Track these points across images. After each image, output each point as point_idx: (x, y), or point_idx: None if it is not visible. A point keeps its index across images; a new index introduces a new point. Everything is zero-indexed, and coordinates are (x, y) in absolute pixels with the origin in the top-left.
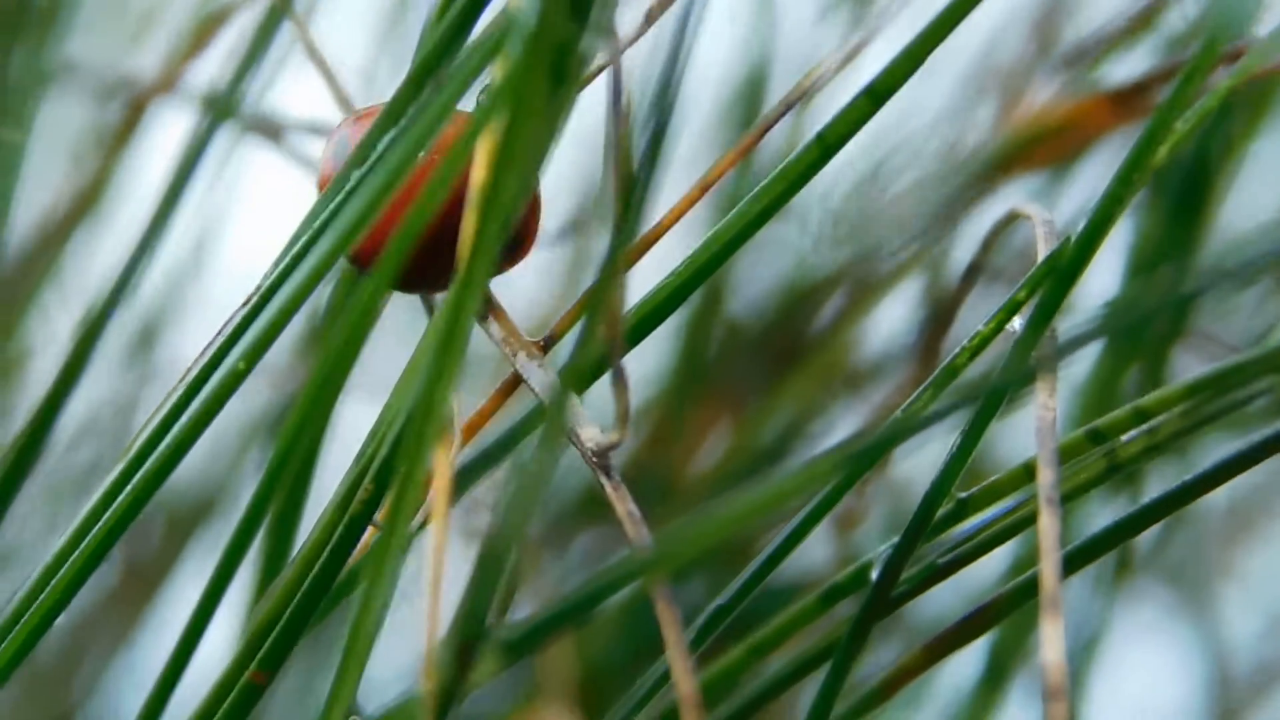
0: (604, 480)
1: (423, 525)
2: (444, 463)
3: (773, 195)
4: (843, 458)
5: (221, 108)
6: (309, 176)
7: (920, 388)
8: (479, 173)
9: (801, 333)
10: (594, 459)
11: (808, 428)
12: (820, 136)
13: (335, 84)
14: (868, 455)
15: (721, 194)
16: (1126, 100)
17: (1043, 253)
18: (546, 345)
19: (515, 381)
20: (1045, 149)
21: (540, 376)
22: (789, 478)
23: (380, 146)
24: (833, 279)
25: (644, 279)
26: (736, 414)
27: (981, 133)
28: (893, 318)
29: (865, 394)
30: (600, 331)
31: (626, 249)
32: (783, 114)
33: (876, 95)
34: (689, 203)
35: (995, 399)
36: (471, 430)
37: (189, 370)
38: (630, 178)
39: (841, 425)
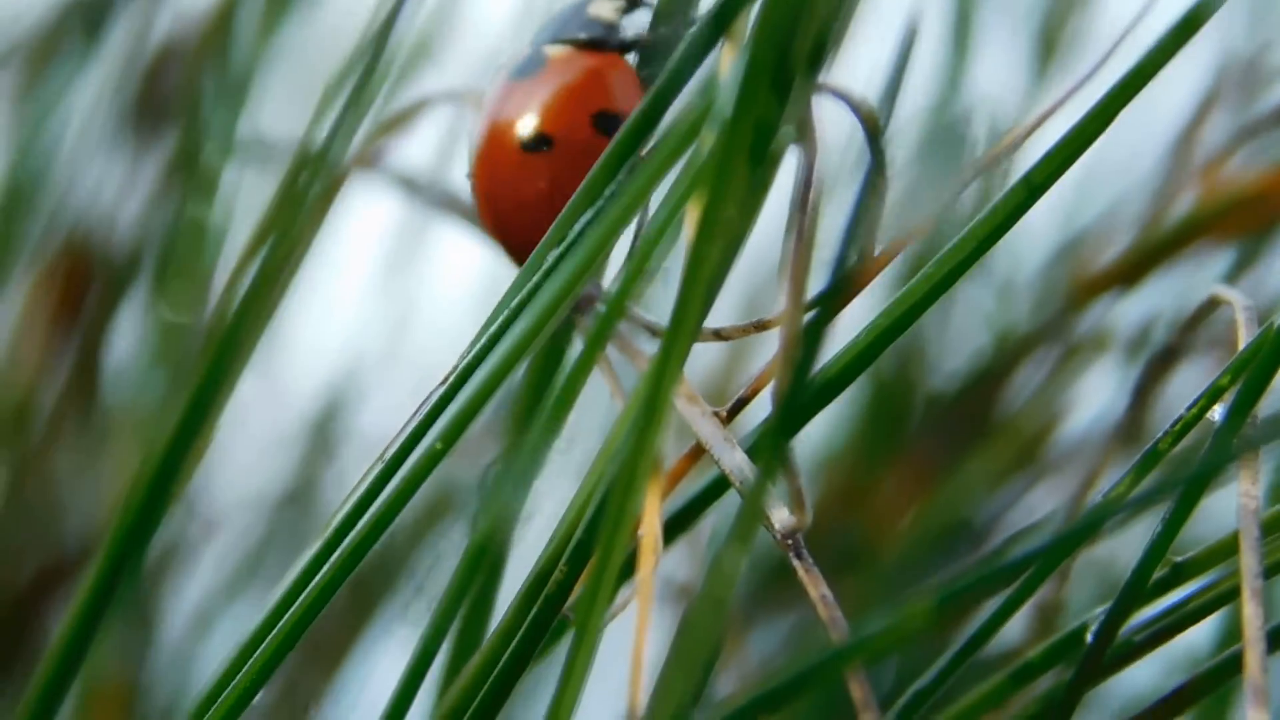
0: (796, 563)
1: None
2: (649, 541)
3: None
4: (1049, 545)
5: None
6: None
7: (1124, 470)
8: (688, 240)
9: (996, 400)
10: (785, 541)
11: (1001, 498)
12: (1027, 182)
13: None
14: (1073, 540)
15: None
16: None
17: (1244, 339)
18: (730, 415)
19: (699, 451)
20: (1238, 219)
21: (728, 453)
22: (993, 568)
23: (577, 228)
24: (1028, 345)
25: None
26: (929, 479)
27: (1175, 201)
28: (1089, 388)
29: (1060, 467)
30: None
31: (800, 329)
32: (976, 177)
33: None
34: (882, 264)
35: (1198, 488)
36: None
37: (386, 449)
38: (809, 259)
39: (1036, 497)
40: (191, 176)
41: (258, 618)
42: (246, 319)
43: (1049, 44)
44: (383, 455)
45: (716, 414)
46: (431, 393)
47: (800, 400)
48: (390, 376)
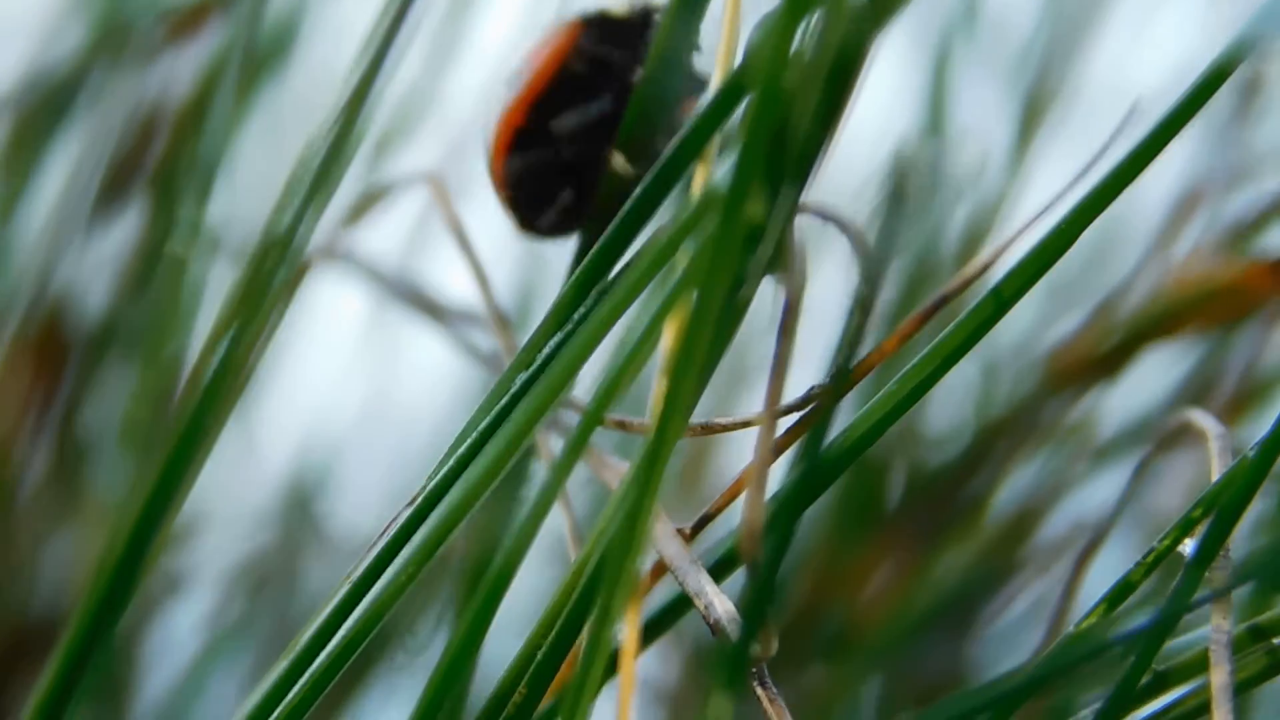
0: (760, 692)
1: None
2: (627, 677)
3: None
4: (1012, 687)
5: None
6: (465, 357)
7: (1093, 604)
8: (668, 347)
9: (975, 483)
10: (750, 670)
11: (981, 583)
12: (997, 295)
13: (478, 266)
14: (1039, 682)
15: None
16: None
17: (1217, 470)
18: (694, 532)
19: (661, 569)
20: (1205, 313)
21: (693, 575)
22: (957, 709)
23: (546, 350)
24: (1005, 430)
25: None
26: (908, 561)
27: (1143, 293)
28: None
29: (1039, 560)
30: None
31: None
32: (958, 291)
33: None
34: (857, 376)
35: (1169, 622)
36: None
37: (352, 571)
38: (784, 374)
39: (1017, 583)
40: (163, 254)
41: None
42: (214, 400)
43: (1034, 111)
44: (349, 577)
45: (680, 531)
46: (398, 514)
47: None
48: (365, 452)
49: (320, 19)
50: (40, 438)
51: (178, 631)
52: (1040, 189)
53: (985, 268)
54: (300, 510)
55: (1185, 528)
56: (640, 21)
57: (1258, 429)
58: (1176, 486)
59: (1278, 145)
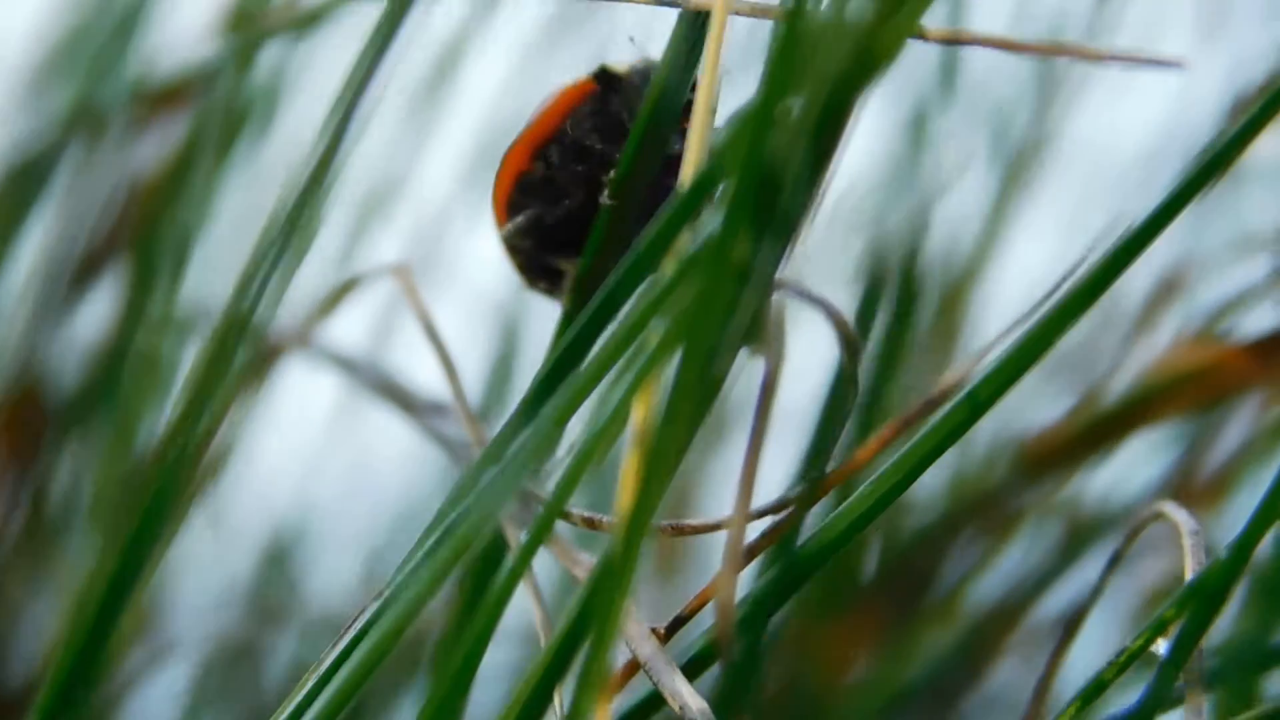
0: None
1: None
2: None
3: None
4: None
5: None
6: (435, 446)
7: (1066, 703)
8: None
9: (945, 562)
10: None
11: (954, 668)
12: (971, 399)
13: (446, 357)
14: None
15: None
16: (1265, 353)
17: (1191, 568)
18: (669, 633)
19: (634, 668)
20: (1183, 398)
21: (668, 676)
22: None
23: (512, 449)
24: (977, 510)
25: None
26: (879, 639)
27: (1117, 378)
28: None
29: (1015, 637)
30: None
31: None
32: (935, 403)
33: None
34: (830, 484)
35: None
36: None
37: (322, 660)
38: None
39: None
40: (137, 330)
41: None
42: (178, 477)
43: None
44: (318, 666)
45: (655, 631)
46: (365, 606)
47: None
48: (337, 530)
49: (298, 95)
50: (13, 512)
51: (152, 707)
52: (1021, 251)
53: (962, 377)
54: (272, 587)
55: (1158, 628)
56: (642, 78)
57: (1236, 513)
58: (1154, 565)
59: (1257, 228)
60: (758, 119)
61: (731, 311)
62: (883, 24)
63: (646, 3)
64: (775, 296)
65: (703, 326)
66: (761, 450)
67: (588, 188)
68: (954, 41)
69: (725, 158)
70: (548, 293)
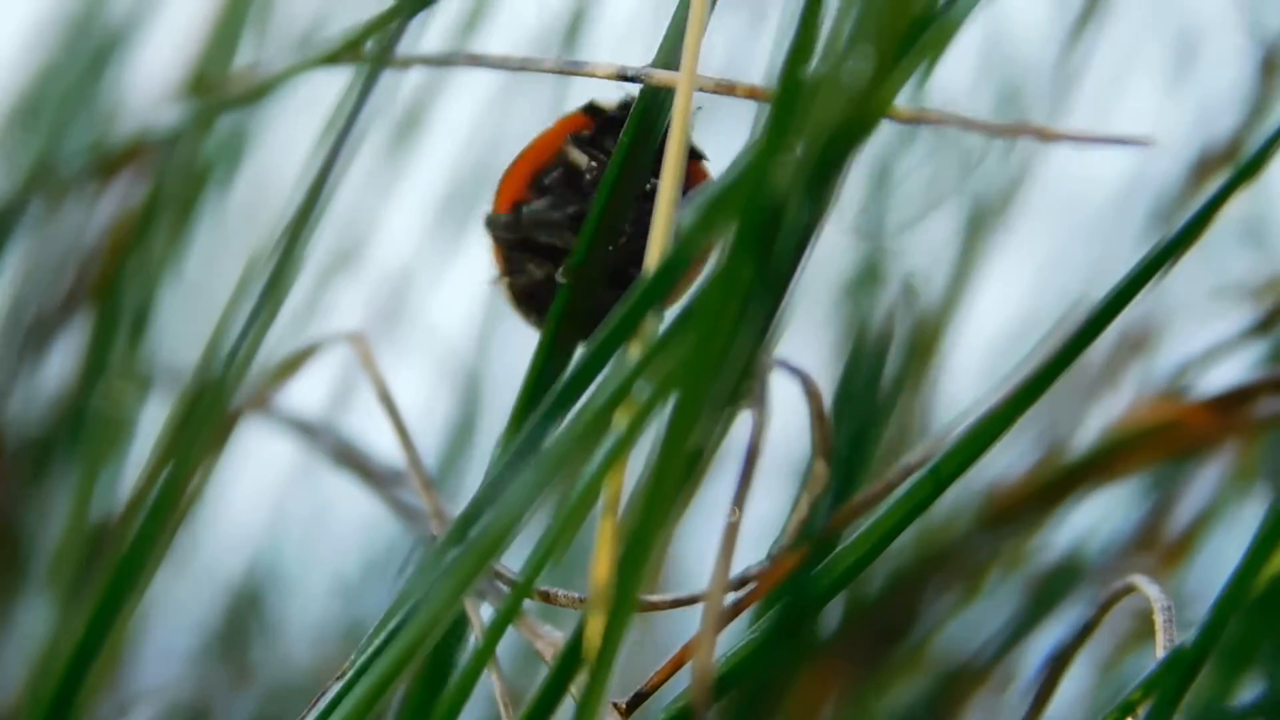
0: None
1: None
2: None
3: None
4: None
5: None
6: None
7: None
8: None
9: (913, 612)
10: None
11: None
12: (935, 475)
13: (402, 427)
14: None
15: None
16: (1228, 409)
17: (1162, 644)
18: (630, 708)
19: None
20: (1145, 452)
21: None
22: None
23: (480, 523)
24: (944, 561)
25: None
26: (847, 689)
27: (1082, 432)
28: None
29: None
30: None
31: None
32: (900, 480)
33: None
34: (791, 562)
35: None
36: None
37: None
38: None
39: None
40: (99, 385)
41: None
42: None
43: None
44: None
45: (617, 706)
46: (327, 688)
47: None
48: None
49: (257, 158)
50: None
51: None
52: (992, 297)
53: (924, 457)
54: (232, 646)
55: (1126, 709)
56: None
57: (1201, 569)
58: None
59: (1221, 280)
60: (756, 174)
61: (722, 369)
62: (862, 101)
63: (609, 78)
64: (760, 360)
65: (694, 383)
66: (741, 522)
67: (575, 226)
68: (919, 121)
69: (722, 213)
70: (536, 322)
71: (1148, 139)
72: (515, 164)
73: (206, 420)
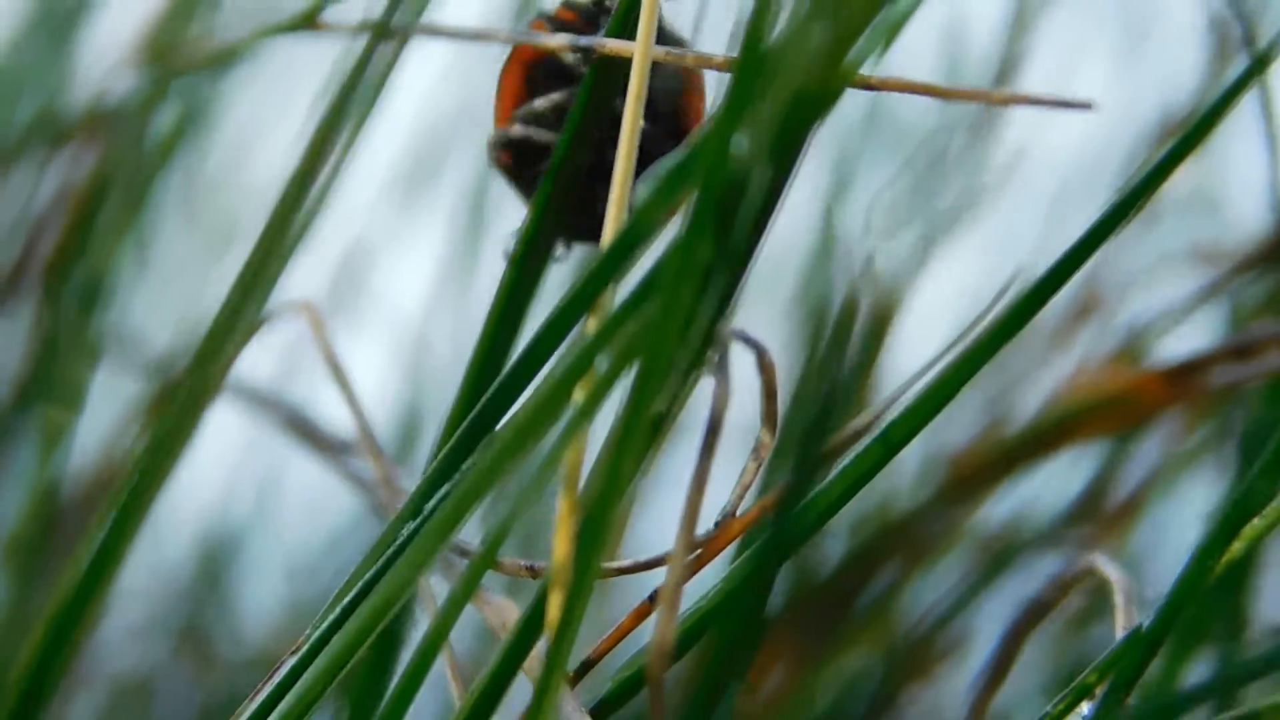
0: None
1: None
2: None
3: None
4: None
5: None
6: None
7: None
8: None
9: (868, 586)
10: None
11: (871, 697)
12: (885, 440)
13: (353, 399)
14: None
15: None
16: (1182, 378)
17: (1121, 625)
18: (577, 676)
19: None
20: (1097, 422)
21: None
22: None
23: (430, 504)
24: (900, 533)
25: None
26: (798, 665)
27: (1032, 403)
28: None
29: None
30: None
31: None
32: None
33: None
34: (739, 528)
35: None
36: None
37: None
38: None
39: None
40: (51, 360)
41: None
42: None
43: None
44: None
45: (566, 674)
46: (281, 663)
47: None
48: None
49: (216, 127)
50: None
51: None
52: (949, 274)
53: (874, 420)
54: (190, 619)
55: (1081, 693)
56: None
57: (1146, 539)
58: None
59: (1174, 250)
60: (717, 144)
61: (682, 339)
62: (829, 69)
63: (562, 49)
64: (721, 331)
65: (655, 354)
66: (705, 487)
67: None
68: (882, 88)
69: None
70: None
71: (1092, 103)
72: (504, 74)
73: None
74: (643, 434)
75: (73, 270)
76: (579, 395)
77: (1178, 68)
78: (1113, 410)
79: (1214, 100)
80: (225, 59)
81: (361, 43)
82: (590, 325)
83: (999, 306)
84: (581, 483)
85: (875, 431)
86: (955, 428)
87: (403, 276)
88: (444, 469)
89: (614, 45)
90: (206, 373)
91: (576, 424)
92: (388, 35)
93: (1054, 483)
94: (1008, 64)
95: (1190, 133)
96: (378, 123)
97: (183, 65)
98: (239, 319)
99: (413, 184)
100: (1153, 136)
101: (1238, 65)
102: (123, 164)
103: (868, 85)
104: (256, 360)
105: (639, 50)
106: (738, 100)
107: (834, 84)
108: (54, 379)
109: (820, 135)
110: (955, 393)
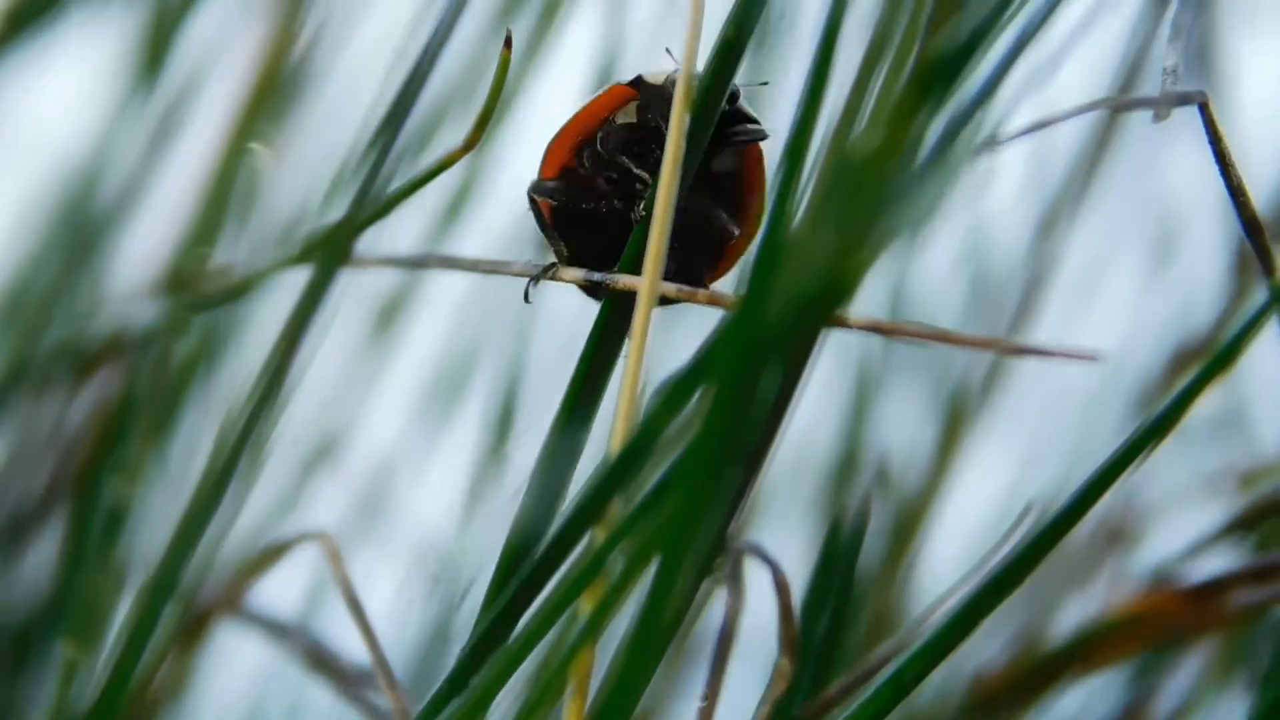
0: None
1: None
2: None
3: None
4: None
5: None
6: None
7: None
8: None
9: None
10: None
11: None
12: (897, 680)
13: (368, 629)
14: None
15: None
16: (1206, 599)
17: None
18: None
19: None
20: (1124, 643)
21: None
22: None
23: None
24: None
25: None
26: None
27: (1059, 625)
28: None
29: None
30: None
31: None
32: (860, 682)
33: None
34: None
35: None
36: None
37: None
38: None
39: None
40: (75, 580)
41: None
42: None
43: (957, 415)
44: None
45: None
46: None
47: None
48: None
49: (234, 356)
50: None
51: None
52: (964, 493)
53: (888, 659)
54: None
55: None
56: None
57: None
58: None
59: (1201, 475)
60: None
61: (698, 539)
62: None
63: (576, 282)
64: (733, 541)
65: (668, 561)
66: (715, 708)
67: (622, 195)
68: (891, 333)
69: (692, 389)
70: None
71: (1097, 355)
72: (560, 134)
73: (169, 618)
74: (653, 645)
75: (98, 492)
76: (586, 606)
77: (1201, 283)
78: (1141, 631)
79: (1233, 334)
80: (245, 288)
81: (383, 273)
82: (598, 535)
83: (1028, 530)
84: (590, 698)
85: (901, 657)
86: (985, 649)
87: (426, 498)
88: (453, 686)
89: (626, 281)
90: (224, 596)
91: (583, 636)
92: (409, 266)
93: (1083, 707)
94: (1031, 284)
95: (1219, 356)
96: (401, 348)
97: (203, 294)
98: (255, 546)
99: (437, 406)
100: (1177, 354)
101: (1259, 292)
102: (145, 390)
103: (878, 329)
104: (276, 587)
105: (645, 288)
106: (750, 306)
107: (844, 290)
108: (78, 605)
109: (837, 341)
110: (983, 617)
